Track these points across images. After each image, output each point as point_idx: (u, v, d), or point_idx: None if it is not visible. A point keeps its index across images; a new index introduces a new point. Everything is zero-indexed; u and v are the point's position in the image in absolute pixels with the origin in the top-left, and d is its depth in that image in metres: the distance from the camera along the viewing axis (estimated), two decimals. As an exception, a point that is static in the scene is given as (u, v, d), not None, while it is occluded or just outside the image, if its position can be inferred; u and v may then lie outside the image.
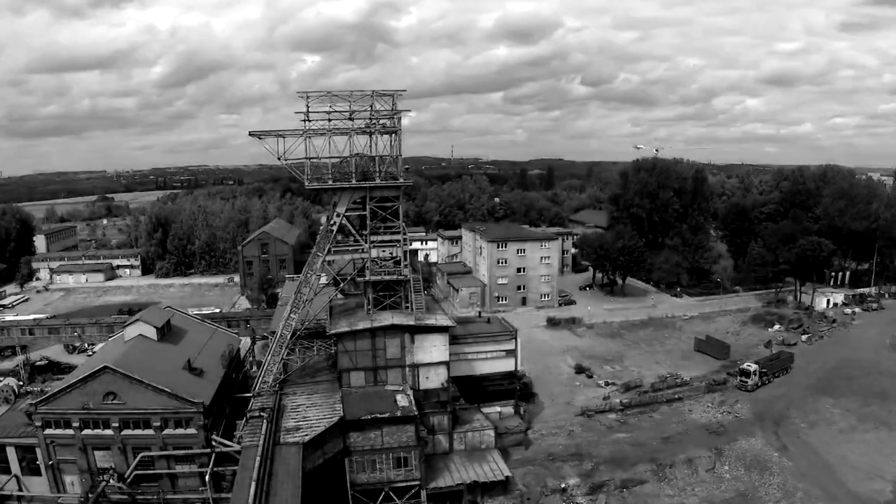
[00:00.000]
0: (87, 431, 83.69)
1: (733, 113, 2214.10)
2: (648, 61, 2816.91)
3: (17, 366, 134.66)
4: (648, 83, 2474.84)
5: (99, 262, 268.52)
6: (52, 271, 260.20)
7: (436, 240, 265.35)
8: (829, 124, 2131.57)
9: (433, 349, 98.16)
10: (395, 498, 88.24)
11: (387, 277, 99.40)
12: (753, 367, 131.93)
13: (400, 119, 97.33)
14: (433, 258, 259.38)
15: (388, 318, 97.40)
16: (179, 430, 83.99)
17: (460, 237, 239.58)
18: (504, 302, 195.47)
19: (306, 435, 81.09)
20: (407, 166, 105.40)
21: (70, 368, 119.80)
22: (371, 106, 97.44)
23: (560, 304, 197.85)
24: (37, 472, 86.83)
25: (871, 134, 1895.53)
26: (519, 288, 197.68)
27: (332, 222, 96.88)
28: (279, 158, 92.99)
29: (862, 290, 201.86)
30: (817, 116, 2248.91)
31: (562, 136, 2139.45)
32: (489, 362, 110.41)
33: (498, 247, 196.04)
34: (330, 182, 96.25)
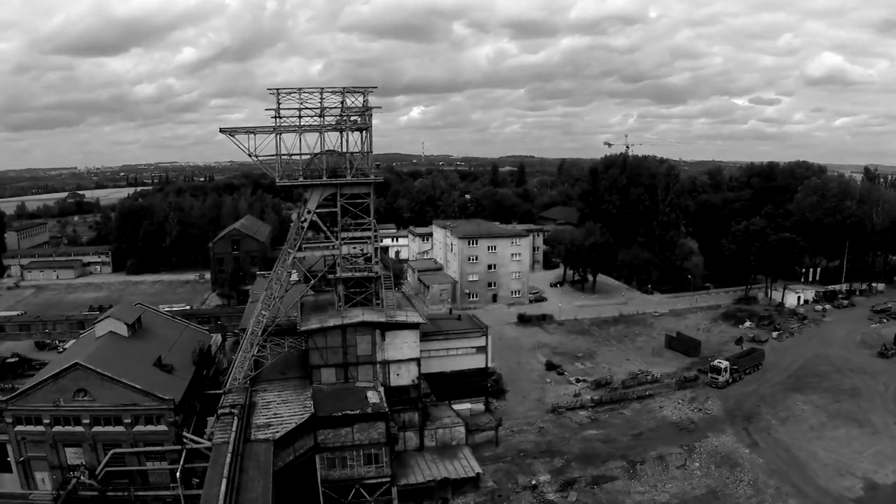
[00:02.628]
0: (57, 428, 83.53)
1: (751, 111, 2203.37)
2: (708, 57, 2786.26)
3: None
4: (696, 80, 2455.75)
5: (70, 258, 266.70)
6: (23, 268, 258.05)
7: (407, 236, 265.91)
8: (837, 123, 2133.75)
9: (404, 346, 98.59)
10: (365, 494, 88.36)
11: (358, 274, 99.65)
12: (724, 363, 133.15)
13: (371, 116, 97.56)
14: (404, 255, 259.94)
15: (358, 315, 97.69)
16: (150, 427, 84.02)
17: (431, 234, 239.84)
18: (475, 299, 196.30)
19: (277, 432, 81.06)
20: (378, 163, 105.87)
21: (41, 365, 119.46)
22: (342, 103, 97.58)
23: (531, 301, 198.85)
24: (7, 469, 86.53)
25: (870, 132, 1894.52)
26: (490, 285, 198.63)
27: (302, 219, 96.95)
28: (250, 155, 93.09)
29: (833, 286, 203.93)
30: (831, 114, 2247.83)
31: (559, 132, 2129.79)
32: (460, 359, 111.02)
33: (469, 244, 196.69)
34: (301, 179, 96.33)
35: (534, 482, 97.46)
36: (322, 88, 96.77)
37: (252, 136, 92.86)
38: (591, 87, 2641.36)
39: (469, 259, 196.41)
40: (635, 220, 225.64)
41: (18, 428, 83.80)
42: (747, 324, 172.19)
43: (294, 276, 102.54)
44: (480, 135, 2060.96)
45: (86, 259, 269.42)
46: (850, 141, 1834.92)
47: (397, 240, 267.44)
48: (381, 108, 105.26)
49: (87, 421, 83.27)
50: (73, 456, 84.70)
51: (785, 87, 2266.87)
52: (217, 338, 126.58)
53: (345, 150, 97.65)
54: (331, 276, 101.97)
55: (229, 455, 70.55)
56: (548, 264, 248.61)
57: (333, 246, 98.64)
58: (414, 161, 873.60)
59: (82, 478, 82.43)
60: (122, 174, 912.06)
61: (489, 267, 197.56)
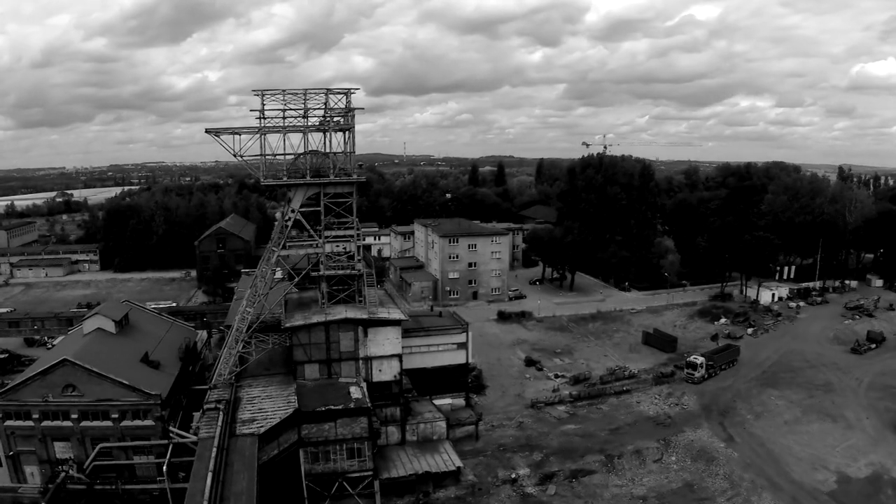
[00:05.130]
0: (46, 423, 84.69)
1: (765, 112, 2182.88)
2: (763, 62, 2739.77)
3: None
4: (737, 82, 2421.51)
5: (58, 256, 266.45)
6: (13, 266, 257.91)
7: (389, 235, 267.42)
8: (840, 125, 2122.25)
9: (386, 342, 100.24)
10: (348, 488, 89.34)
11: (340, 272, 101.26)
12: (700, 359, 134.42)
13: (353, 116, 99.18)
14: (386, 253, 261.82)
15: (341, 312, 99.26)
16: (137, 422, 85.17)
17: (413, 232, 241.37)
18: (455, 296, 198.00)
19: (262, 426, 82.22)
20: (360, 163, 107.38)
21: (30, 361, 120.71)
22: (325, 104, 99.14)
23: (510, 299, 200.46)
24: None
25: (872, 133, 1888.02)
26: (470, 282, 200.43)
27: (286, 218, 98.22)
28: (235, 155, 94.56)
29: (807, 284, 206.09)
30: (840, 115, 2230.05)
31: (565, 132, 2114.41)
32: (441, 355, 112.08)
33: (449, 242, 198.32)
34: (285, 179, 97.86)
35: (513, 476, 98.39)
36: (306, 90, 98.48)
37: (237, 136, 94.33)
38: (627, 88, 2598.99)
39: (450, 257, 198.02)
40: (613, 218, 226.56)
41: (8, 423, 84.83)
42: (723, 320, 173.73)
43: (278, 274, 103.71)
44: (483, 135, 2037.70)
45: (74, 257, 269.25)
46: (846, 141, 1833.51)
47: (379, 238, 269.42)
48: (363, 109, 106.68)
49: (75, 416, 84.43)
50: (61, 450, 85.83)
51: (822, 92, 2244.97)
52: (203, 334, 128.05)
53: (328, 150, 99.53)
54: (314, 274, 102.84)
55: (215, 449, 71.74)
56: (527, 262, 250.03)
57: (317, 244, 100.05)
58: (395, 161, 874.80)
59: (71, 472, 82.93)
60: (109, 174, 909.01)
61: (470, 265, 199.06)
